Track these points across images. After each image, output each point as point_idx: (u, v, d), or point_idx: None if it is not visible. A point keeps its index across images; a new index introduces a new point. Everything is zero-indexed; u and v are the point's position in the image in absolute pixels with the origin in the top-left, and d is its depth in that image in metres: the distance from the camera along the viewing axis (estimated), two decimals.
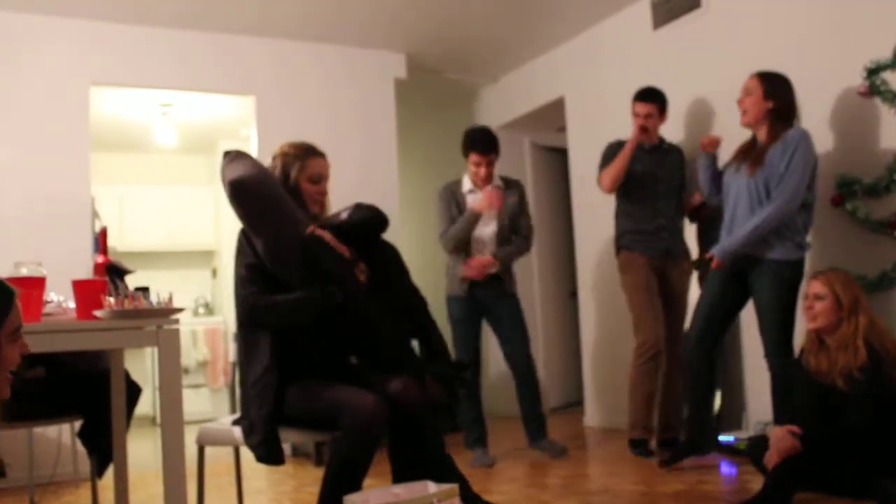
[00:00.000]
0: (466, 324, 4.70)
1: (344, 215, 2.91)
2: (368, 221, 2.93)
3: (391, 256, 2.97)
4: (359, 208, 2.95)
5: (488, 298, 4.68)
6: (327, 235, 2.74)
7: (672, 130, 5.10)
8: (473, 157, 4.68)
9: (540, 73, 6.43)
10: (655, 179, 4.58)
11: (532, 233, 4.82)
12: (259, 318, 2.70)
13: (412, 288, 2.97)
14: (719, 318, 4.00)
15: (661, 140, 4.69)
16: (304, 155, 2.93)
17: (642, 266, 4.54)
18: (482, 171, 4.66)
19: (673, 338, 4.58)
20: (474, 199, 4.67)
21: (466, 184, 4.77)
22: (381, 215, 2.98)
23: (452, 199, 4.73)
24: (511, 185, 4.79)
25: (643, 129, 4.53)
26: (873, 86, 3.93)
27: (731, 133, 4.23)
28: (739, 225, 3.86)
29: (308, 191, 2.92)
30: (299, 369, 2.72)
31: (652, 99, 4.61)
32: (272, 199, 2.71)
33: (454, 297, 4.71)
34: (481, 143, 4.69)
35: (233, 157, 2.82)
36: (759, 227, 3.74)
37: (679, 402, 4.60)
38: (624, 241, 4.64)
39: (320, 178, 2.94)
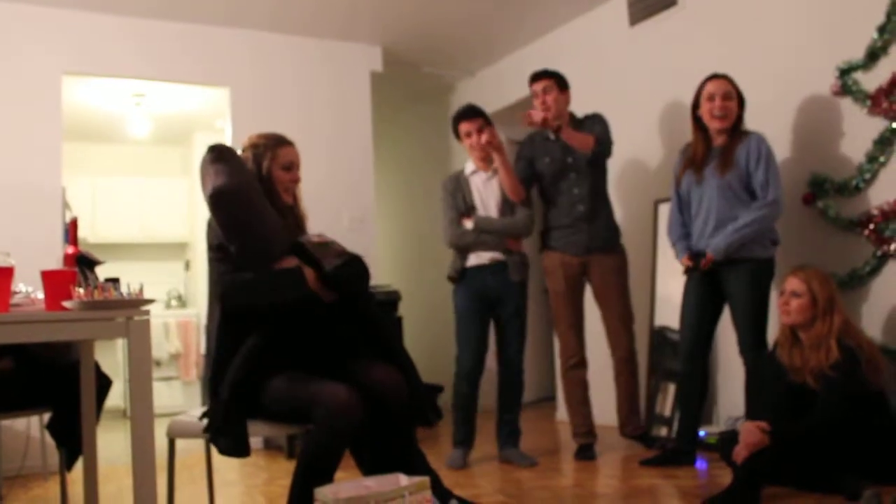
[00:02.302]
0: (469, 316, 4.42)
1: (335, 261, 2.78)
2: (349, 284, 2.82)
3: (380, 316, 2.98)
4: (350, 267, 2.80)
5: (494, 288, 4.38)
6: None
7: (648, 126, 5.14)
8: (464, 128, 4.43)
9: (516, 68, 6.43)
10: (566, 168, 4.45)
11: (525, 215, 4.41)
12: (235, 297, 2.68)
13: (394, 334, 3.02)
14: (706, 323, 4.03)
15: (573, 121, 4.52)
16: (276, 144, 2.94)
17: (562, 268, 4.48)
18: (474, 140, 4.39)
19: (614, 335, 4.54)
20: (479, 180, 4.47)
21: (469, 167, 4.55)
22: (364, 286, 2.91)
23: (458, 187, 4.48)
24: None
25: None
26: (845, 86, 3.97)
27: None
28: (720, 225, 3.87)
29: (281, 179, 2.92)
30: (272, 361, 2.70)
31: (546, 76, 4.48)
32: (250, 211, 2.69)
33: (458, 286, 4.48)
34: (466, 110, 4.47)
35: (215, 156, 2.76)
36: (759, 228, 3.77)
37: (636, 397, 4.61)
38: (545, 240, 4.60)
39: (292, 166, 2.95)
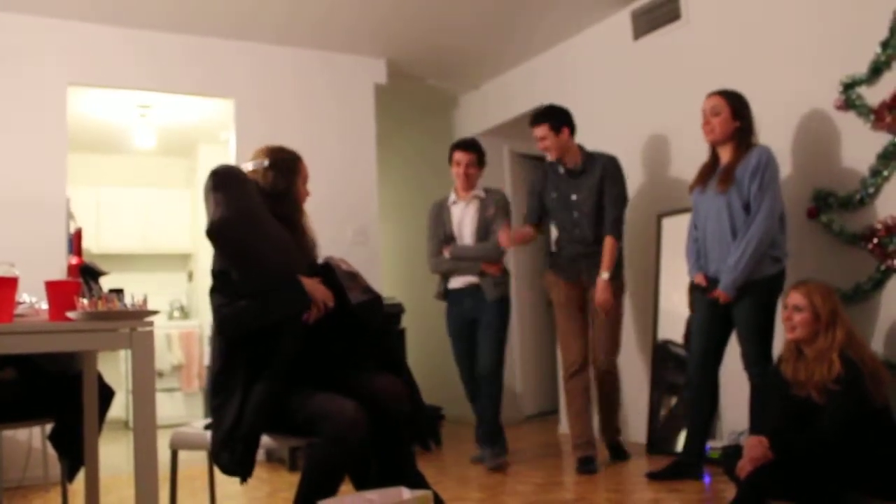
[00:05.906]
0: (455, 337, 4.88)
1: (360, 296, 2.87)
2: (368, 321, 2.90)
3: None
4: (372, 306, 2.90)
5: (471, 309, 4.77)
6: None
7: (652, 140, 5.14)
8: (455, 156, 4.83)
9: (520, 81, 6.46)
10: (570, 206, 4.55)
11: (495, 241, 4.70)
12: (233, 328, 2.67)
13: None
14: (715, 339, 4.01)
15: (583, 154, 4.58)
16: (298, 158, 2.98)
17: (564, 285, 4.61)
18: (460, 170, 4.79)
19: (593, 351, 4.61)
20: (458, 210, 4.83)
21: (451, 197, 4.91)
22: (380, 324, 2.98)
23: (440, 216, 4.89)
24: (491, 194, 4.86)
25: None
26: (849, 100, 3.97)
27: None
28: (712, 244, 3.91)
29: (303, 193, 2.99)
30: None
31: (543, 120, 4.55)
32: (251, 238, 2.67)
33: (447, 307, 4.90)
34: (463, 142, 4.90)
35: (215, 183, 2.71)
36: (757, 251, 3.74)
37: (611, 411, 4.69)
38: (548, 262, 4.83)
39: (307, 179, 3.02)
